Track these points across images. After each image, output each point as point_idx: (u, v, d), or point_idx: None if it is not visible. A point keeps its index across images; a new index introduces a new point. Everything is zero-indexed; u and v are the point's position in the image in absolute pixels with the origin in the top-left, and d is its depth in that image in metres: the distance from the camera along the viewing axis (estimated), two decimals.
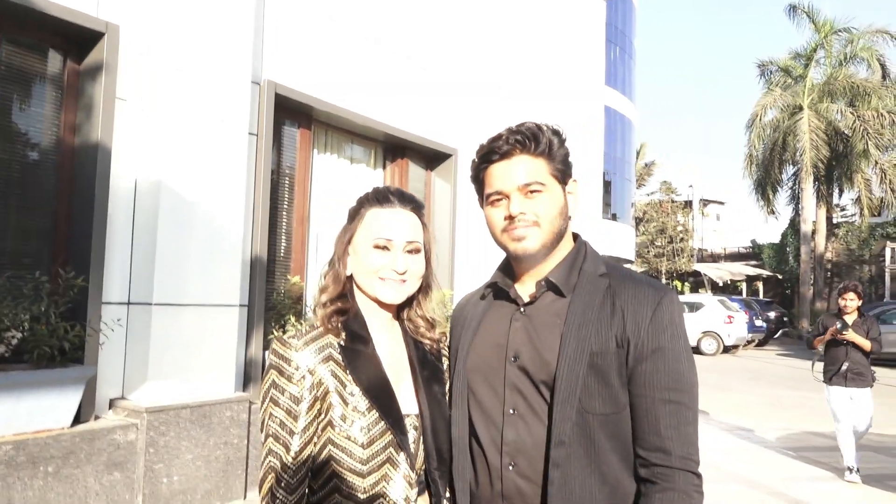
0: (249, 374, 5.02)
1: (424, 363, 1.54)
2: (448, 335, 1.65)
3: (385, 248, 1.49)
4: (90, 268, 4.11)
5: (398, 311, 1.58)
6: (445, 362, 1.61)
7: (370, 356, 1.46)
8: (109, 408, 4.33)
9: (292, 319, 5.14)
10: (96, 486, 3.94)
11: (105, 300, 4.25)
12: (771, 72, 29.46)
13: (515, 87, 8.36)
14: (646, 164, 42.48)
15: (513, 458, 1.39)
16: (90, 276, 4.09)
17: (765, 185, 29.35)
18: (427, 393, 1.50)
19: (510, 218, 1.43)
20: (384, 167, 6.91)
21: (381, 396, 1.42)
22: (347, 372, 1.41)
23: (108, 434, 4.01)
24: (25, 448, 3.63)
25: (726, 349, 19.93)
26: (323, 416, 1.40)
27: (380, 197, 1.55)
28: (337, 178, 6.39)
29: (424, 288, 1.59)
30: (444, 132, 7.08)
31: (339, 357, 1.43)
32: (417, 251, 1.53)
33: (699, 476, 1.33)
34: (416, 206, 1.57)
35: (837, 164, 27.42)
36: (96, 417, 4.19)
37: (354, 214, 1.56)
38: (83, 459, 3.88)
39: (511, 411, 1.40)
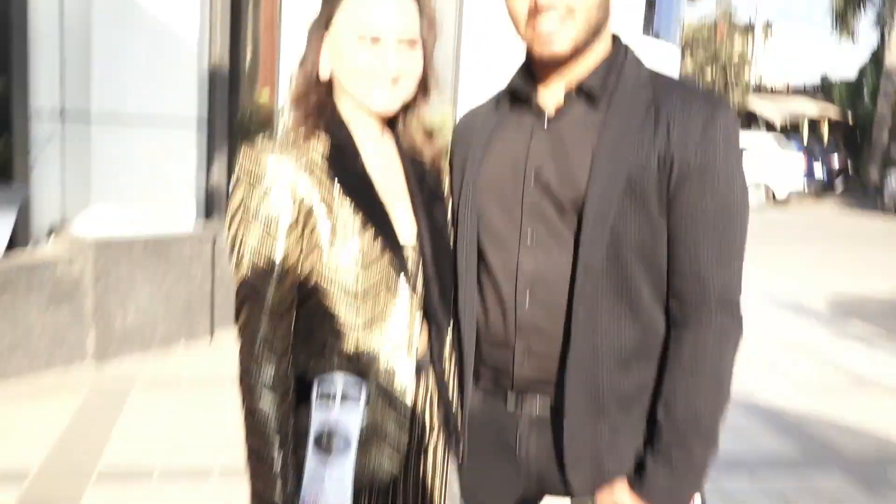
0: (212, 205, 5.05)
1: (422, 181, 1.49)
2: (451, 153, 1.58)
3: (374, 41, 1.37)
4: (12, 67, 4.00)
5: (391, 122, 1.50)
6: (447, 183, 1.56)
7: (359, 167, 1.40)
8: (48, 236, 4.38)
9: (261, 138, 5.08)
10: (40, 322, 4.07)
11: (33, 109, 4.17)
12: None
13: None
14: None
15: (530, 288, 1.38)
16: (12, 77, 3.99)
17: (846, 2, 28.10)
18: (426, 214, 1.46)
19: (536, 8, 1.31)
20: None
21: (375, 212, 1.38)
22: (333, 184, 1.35)
23: (50, 266, 4.09)
24: None
25: (777, 201, 19.87)
26: (308, 236, 1.34)
27: None
28: None
29: (422, 90, 1.49)
30: None
31: (323, 165, 1.36)
32: (413, 44, 1.42)
33: (739, 314, 1.33)
34: None
35: None
36: (35, 245, 4.25)
37: None
38: (23, 291, 3.98)
39: (529, 238, 1.38)
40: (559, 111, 1.40)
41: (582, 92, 1.38)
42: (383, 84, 1.39)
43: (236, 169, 1.36)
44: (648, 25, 15.11)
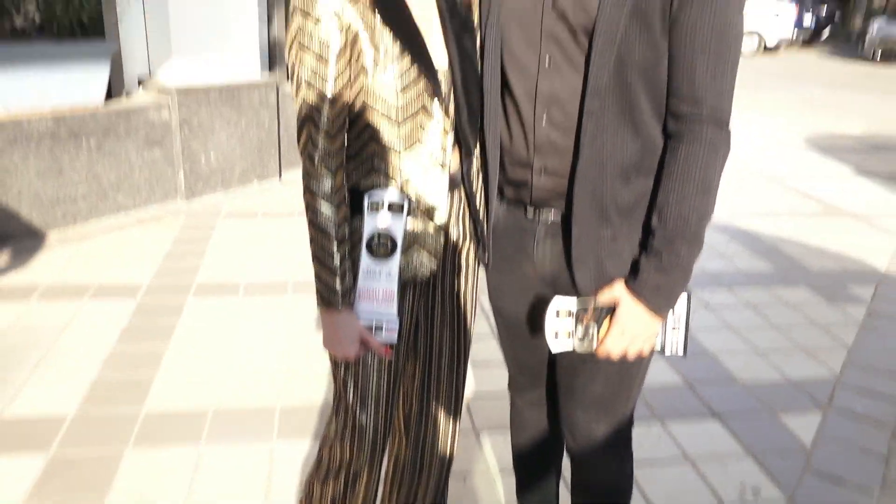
0: (275, 57, 4.96)
1: (454, 13, 1.45)
2: None
3: None
4: None
5: None
6: (476, 14, 1.50)
7: (398, 2, 1.36)
8: (139, 86, 4.37)
9: None
10: (139, 160, 4.15)
11: None
12: None
13: None
14: None
15: (547, 108, 1.37)
16: None
17: None
18: (457, 44, 1.43)
19: None
20: None
21: (412, 41, 1.36)
22: (375, 14, 1.33)
23: (143, 112, 4.10)
24: (65, 123, 3.76)
25: (767, 49, 19.02)
26: (356, 60, 1.34)
27: None
28: None
29: None
30: None
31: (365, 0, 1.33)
32: None
33: (728, 129, 1.31)
34: None
35: None
36: (128, 95, 4.25)
37: None
38: (122, 135, 4.03)
39: (547, 62, 1.36)
40: None
41: None
42: None
43: (292, 3, 1.33)
44: None
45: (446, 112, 1.42)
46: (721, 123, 1.29)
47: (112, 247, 3.80)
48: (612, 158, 1.34)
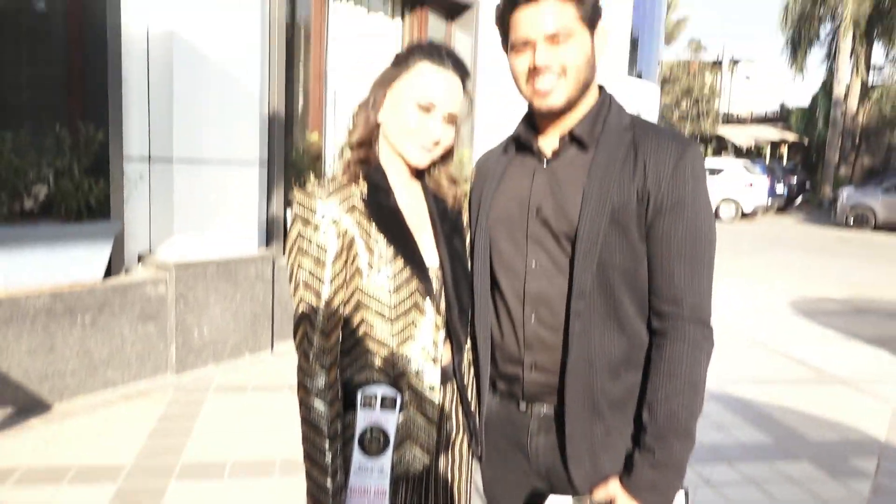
0: (272, 232, 5.13)
1: (444, 217, 1.56)
2: (469, 191, 1.64)
3: (426, 109, 1.45)
4: (109, 122, 4.09)
5: (419, 172, 1.58)
6: (465, 218, 1.62)
7: (392, 207, 1.47)
8: (138, 262, 4.48)
9: (312, 177, 5.16)
10: (132, 335, 4.16)
11: (126, 155, 4.27)
12: None
13: None
14: (677, 21, 40.37)
15: (535, 308, 1.43)
16: (109, 130, 4.08)
17: (798, 42, 28.10)
18: (447, 245, 1.52)
19: (535, 69, 1.38)
20: (402, 17, 6.63)
21: (405, 244, 1.44)
22: (371, 222, 1.43)
23: (140, 287, 4.18)
24: (62, 299, 3.80)
25: (745, 215, 19.92)
26: (350, 264, 1.42)
27: (433, 52, 1.47)
28: (354, 29, 6.15)
29: (448, 154, 1.58)
30: None
31: (361, 207, 1.43)
32: (454, 120, 1.50)
33: (710, 327, 1.36)
34: (465, 74, 1.51)
35: (879, 20, 25.99)
36: (126, 271, 4.35)
37: (402, 61, 1.49)
38: (117, 310, 4.07)
39: (534, 264, 1.43)
40: (555, 154, 1.45)
41: (573, 138, 1.44)
42: (424, 145, 1.47)
43: (293, 209, 1.44)
44: (632, 66, 15.06)
45: (438, 309, 1.48)
46: (702, 322, 1.35)
47: (96, 424, 3.70)
48: (600, 355, 1.37)
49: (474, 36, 6.88)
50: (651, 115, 26.13)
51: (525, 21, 1.38)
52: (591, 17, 1.41)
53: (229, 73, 4.58)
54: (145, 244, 4.50)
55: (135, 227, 4.39)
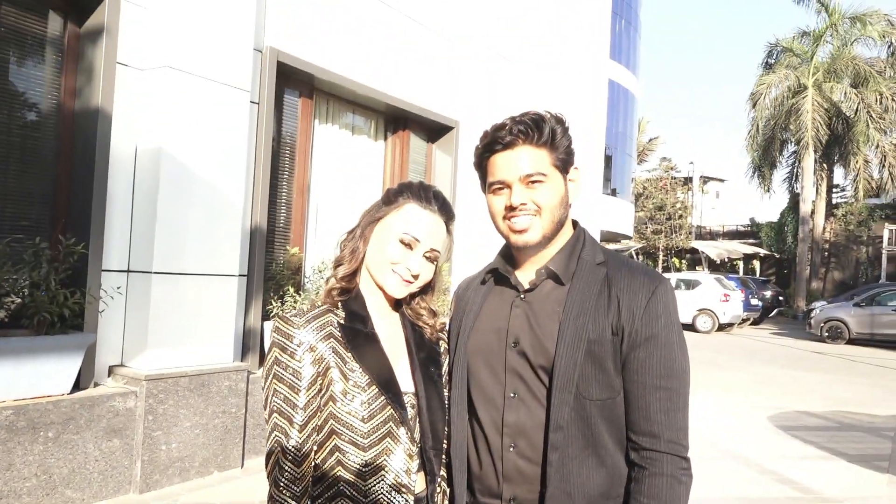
0: (248, 344, 5.05)
1: (421, 345, 1.59)
2: (448, 319, 1.69)
3: (409, 245, 1.52)
4: (90, 235, 4.11)
5: (398, 301, 1.63)
6: (443, 346, 1.65)
7: (369, 335, 1.50)
8: (109, 375, 4.36)
9: (291, 290, 5.16)
10: (96, 451, 3.98)
11: (105, 267, 4.26)
12: (777, 52, 29.34)
13: (520, 58, 8.29)
14: (649, 140, 42.31)
15: (513, 439, 1.43)
16: (90, 242, 4.09)
17: (763, 164, 29.51)
18: (423, 373, 1.54)
19: (511, 208, 1.46)
20: (385, 139, 6.87)
21: (380, 372, 1.46)
22: (347, 349, 1.45)
23: (108, 401, 4.04)
24: (26, 413, 3.66)
25: (721, 327, 20.10)
26: (325, 391, 1.43)
27: (423, 195, 1.56)
28: (338, 148, 6.36)
29: (430, 288, 1.64)
30: (446, 104, 7.04)
31: (338, 334, 1.46)
32: (434, 260, 1.57)
33: (687, 460, 1.37)
34: (450, 218, 1.60)
35: (837, 145, 27.47)
36: (96, 384, 4.22)
37: (392, 200, 1.57)
38: (83, 425, 3.92)
39: (512, 395, 1.44)
40: (532, 287, 1.50)
41: (550, 272, 1.49)
42: (403, 278, 1.52)
43: (271, 333, 1.47)
44: (607, 184, 15.61)
45: (412, 437, 1.48)
46: (680, 456, 1.36)
47: None
48: (579, 487, 1.37)
49: (454, 155, 7.12)
50: (626, 229, 26.84)
51: (501, 165, 1.47)
52: (564, 161, 1.50)
53: (214, 186, 4.66)
54: (118, 356, 4.41)
55: (108, 338, 4.31)
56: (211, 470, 4.57)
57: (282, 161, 5.68)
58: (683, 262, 38.27)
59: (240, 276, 4.90)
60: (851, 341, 17.61)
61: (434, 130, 7.15)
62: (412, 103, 6.60)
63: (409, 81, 6.58)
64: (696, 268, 35.44)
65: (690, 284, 20.61)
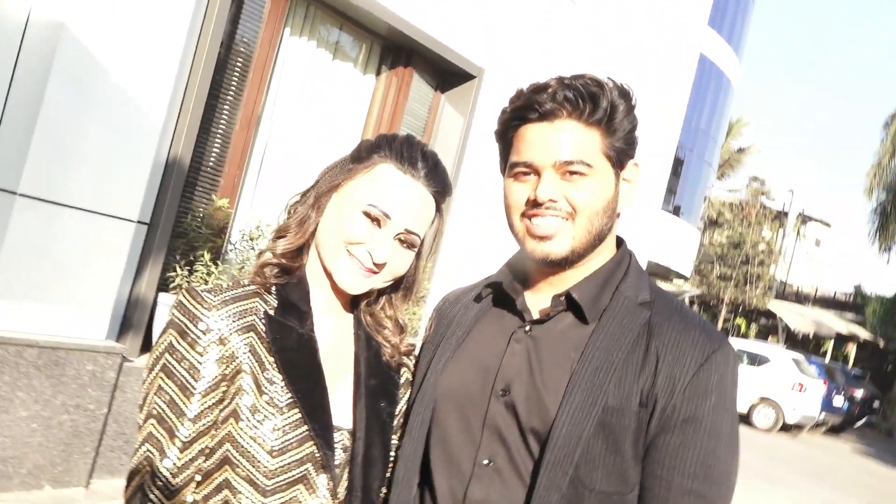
0: (131, 320, 5.05)
1: (374, 368, 1.58)
2: (421, 341, 1.68)
3: (377, 220, 1.50)
4: None
5: (356, 300, 1.62)
6: (405, 376, 1.65)
7: (305, 338, 1.49)
8: None
9: (206, 257, 5.16)
10: None
11: None
12: None
13: (587, 0, 8.32)
14: (739, 149, 42.48)
15: None
16: None
17: (889, 212, 29.64)
18: (368, 406, 1.52)
19: (536, 203, 1.44)
20: (378, 73, 6.88)
21: (309, 393, 1.44)
22: (271, 351, 1.44)
23: None
24: None
25: (786, 427, 20.21)
26: (227, 402, 1.42)
27: (405, 155, 1.54)
28: (310, 73, 6.35)
29: (404, 288, 1.64)
30: (471, 42, 7.04)
31: (263, 329, 1.45)
32: (412, 247, 1.56)
33: None
34: (442, 191, 1.58)
35: None
36: None
37: (363, 157, 1.56)
38: None
39: (486, 462, 1.44)
40: (543, 318, 1.49)
41: (571, 303, 1.47)
42: (360, 267, 1.50)
43: (171, 312, 1.44)
44: (669, 199, 15.67)
45: (333, 492, 1.46)
46: None
47: None
48: None
49: (469, 114, 7.13)
50: (684, 266, 26.98)
51: (533, 141, 1.46)
52: (621, 152, 1.49)
53: (127, 93, 4.65)
54: None
55: None
56: (42, 483, 4.56)
57: (228, 78, 5.67)
58: (753, 326, 38.48)
59: (139, 222, 4.89)
60: None
61: (447, 75, 7.15)
62: (423, 31, 6.59)
63: (426, 2, 6.58)
64: (769, 338, 35.66)
65: (756, 360, 20.73)
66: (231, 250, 5.66)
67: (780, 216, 43.10)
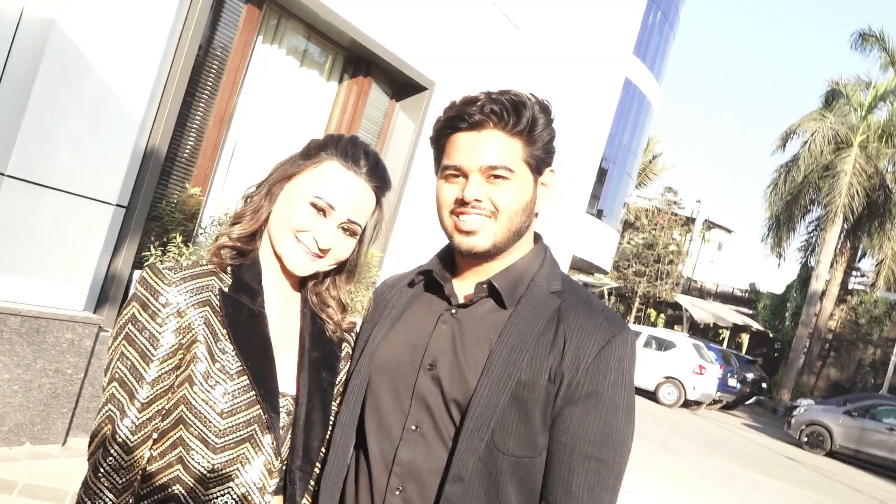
0: (107, 293, 4.93)
1: (317, 342, 1.59)
2: (361, 320, 1.69)
3: (322, 211, 1.51)
4: None
5: (304, 281, 1.63)
6: (345, 350, 1.66)
7: (255, 313, 1.50)
8: None
9: (178, 239, 5.06)
10: None
11: None
12: (832, 95, 30.20)
13: (528, 26, 8.34)
14: (652, 158, 43.14)
15: (402, 482, 1.43)
16: None
17: (782, 224, 30.40)
18: (311, 376, 1.54)
19: (463, 202, 1.46)
20: (340, 80, 6.82)
21: (257, 362, 1.45)
22: (224, 324, 1.45)
23: None
24: None
25: (687, 403, 20.65)
26: (183, 368, 1.43)
27: (349, 153, 1.55)
28: (279, 78, 6.27)
29: (347, 271, 1.65)
30: (424, 58, 7.02)
31: (217, 304, 1.46)
32: (354, 234, 1.57)
33: None
34: (381, 186, 1.61)
35: (870, 220, 28.53)
36: None
37: (311, 154, 1.57)
38: None
39: (413, 427, 1.45)
40: (467, 302, 1.51)
41: (492, 290, 1.49)
42: (306, 251, 1.52)
43: (135, 284, 1.46)
44: (594, 203, 15.82)
45: (277, 450, 1.46)
46: None
47: None
48: None
49: (420, 122, 7.12)
50: (604, 262, 27.33)
51: (462, 147, 1.48)
52: (539, 159, 1.51)
53: (111, 86, 4.54)
54: None
55: None
56: (23, 440, 4.44)
57: (204, 77, 5.56)
58: (662, 316, 39.18)
59: (117, 206, 4.78)
60: (832, 454, 18.31)
61: (402, 86, 7.12)
62: (382, 45, 6.55)
63: (386, 20, 6.54)
64: (675, 327, 36.38)
65: (663, 345, 21.11)
66: (201, 234, 5.58)
67: (689, 222, 43.97)
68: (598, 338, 1.41)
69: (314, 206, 1.50)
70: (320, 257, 1.53)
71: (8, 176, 4.20)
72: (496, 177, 1.45)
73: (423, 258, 1.67)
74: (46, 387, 4.49)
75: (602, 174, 26.62)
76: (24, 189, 4.28)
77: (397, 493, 1.43)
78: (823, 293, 29.88)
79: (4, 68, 4.29)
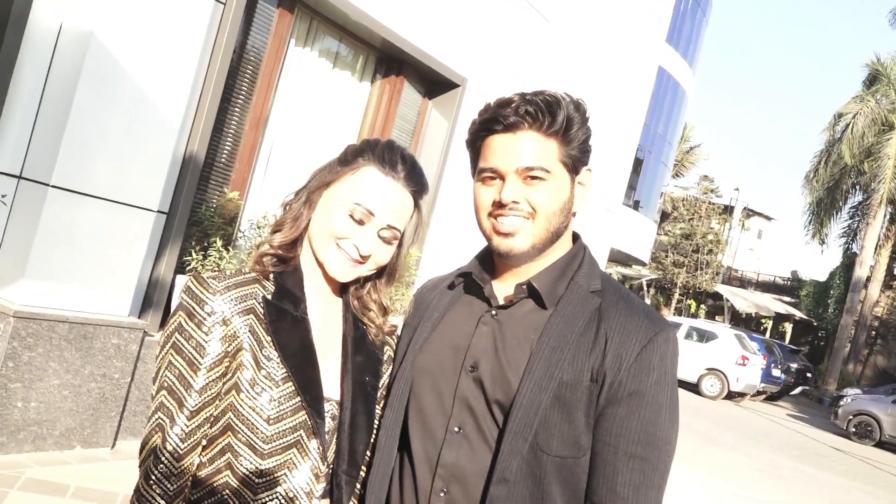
0: (151, 299, 5.02)
1: (360, 346, 1.60)
2: (402, 323, 1.71)
3: (362, 217, 1.53)
4: None
5: (345, 286, 1.64)
6: (388, 353, 1.67)
7: (299, 320, 1.51)
8: None
9: (219, 243, 5.14)
10: None
11: None
12: (873, 76, 29.60)
13: (560, 19, 8.30)
14: (689, 149, 42.66)
15: (447, 484, 1.44)
16: None
17: (823, 209, 29.90)
18: (355, 380, 1.55)
19: (500, 204, 1.47)
20: (373, 81, 6.85)
21: (301, 368, 1.47)
22: (268, 332, 1.47)
23: None
24: None
25: (731, 395, 20.43)
26: (230, 376, 1.45)
27: (386, 158, 1.56)
28: (312, 80, 6.32)
29: (387, 275, 1.66)
30: (456, 55, 7.03)
31: (261, 311, 1.48)
32: (394, 239, 1.58)
33: None
34: (419, 190, 1.61)
35: None
36: None
37: (349, 160, 1.58)
38: None
39: (457, 429, 1.46)
40: (507, 304, 1.52)
41: (532, 291, 1.50)
42: (347, 258, 1.53)
43: (180, 296, 1.48)
44: (630, 194, 15.70)
45: (323, 455, 1.48)
46: None
47: None
48: None
49: (453, 119, 7.12)
50: (642, 253, 27.11)
51: (498, 150, 1.49)
52: (576, 159, 1.51)
53: (149, 94, 4.62)
54: None
55: None
56: (73, 444, 4.55)
57: (239, 82, 5.64)
58: (702, 307, 38.74)
59: (158, 212, 4.87)
60: (882, 444, 17.98)
61: (434, 83, 7.14)
62: (413, 44, 6.58)
63: (416, 18, 6.56)
64: (716, 318, 35.93)
65: (704, 336, 20.90)
66: (241, 237, 5.66)
67: (727, 210, 43.37)
68: (640, 336, 1.41)
69: (353, 213, 1.51)
70: (361, 263, 1.54)
71: (53, 186, 4.30)
72: (533, 178, 1.45)
73: (460, 255, 1.69)
74: (95, 391, 4.59)
75: (638, 164, 26.40)
76: (68, 199, 4.37)
77: (442, 494, 1.44)
78: (868, 279, 29.34)
79: (46, 82, 4.38)
